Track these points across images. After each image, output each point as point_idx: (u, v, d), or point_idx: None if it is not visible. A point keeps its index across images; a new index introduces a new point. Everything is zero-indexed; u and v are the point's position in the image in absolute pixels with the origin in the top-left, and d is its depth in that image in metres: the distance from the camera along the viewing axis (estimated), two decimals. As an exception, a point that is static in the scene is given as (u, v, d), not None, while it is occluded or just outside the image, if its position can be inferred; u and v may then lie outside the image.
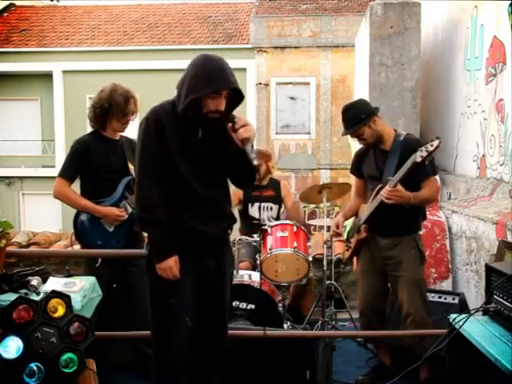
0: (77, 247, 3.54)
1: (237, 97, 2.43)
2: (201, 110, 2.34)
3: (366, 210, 3.34)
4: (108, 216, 3.25)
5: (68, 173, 3.31)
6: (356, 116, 3.23)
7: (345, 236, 4.04)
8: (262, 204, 4.48)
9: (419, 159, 2.91)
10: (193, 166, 2.40)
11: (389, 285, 3.41)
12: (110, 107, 3.27)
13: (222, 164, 2.46)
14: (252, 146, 2.37)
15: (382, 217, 3.20)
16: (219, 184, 2.50)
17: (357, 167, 3.48)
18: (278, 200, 4.60)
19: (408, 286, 3.20)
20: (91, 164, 3.28)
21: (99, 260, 3.23)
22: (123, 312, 3.29)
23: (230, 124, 2.34)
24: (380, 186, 3.19)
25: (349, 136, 3.47)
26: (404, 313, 3.21)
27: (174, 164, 2.38)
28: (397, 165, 3.13)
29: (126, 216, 3.28)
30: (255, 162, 2.34)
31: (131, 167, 3.33)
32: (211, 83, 2.28)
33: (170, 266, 2.37)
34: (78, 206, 3.30)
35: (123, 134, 3.49)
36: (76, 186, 3.40)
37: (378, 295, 3.38)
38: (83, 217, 3.29)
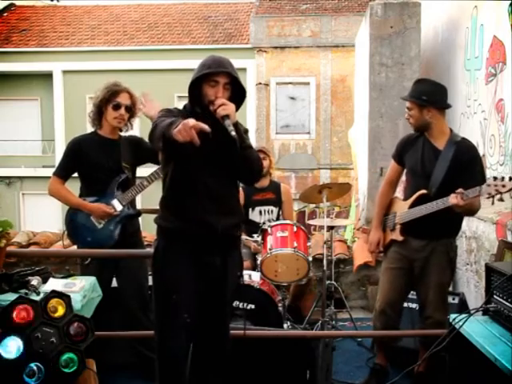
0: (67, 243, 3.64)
1: (240, 97, 2.46)
2: (205, 104, 2.37)
3: (402, 208, 3.20)
4: (95, 212, 3.30)
5: (60, 171, 3.39)
6: (420, 92, 3.12)
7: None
8: (263, 208, 4.50)
9: (486, 196, 2.72)
10: (202, 164, 2.40)
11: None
12: (100, 102, 3.34)
13: (230, 162, 2.44)
14: (232, 124, 2.30)
15: (418, 219, 3.10)
16: (228, 181, 2.50)
17: (400, 154, 3.32)
18: (278, 203, 4.58)
19: (434, 289, 3.14)
20: (85, 163, 3.33)
21: (89, 258, 3.29)
22: (114, 311, 3.32)
23: (210, 107, 2.35)
24: (425, 192, 3.08)
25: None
26: (426, 314, 3.17)
27: (184, 163, 2.39)
28: (447, 169, 3.03)
29: (116, 213, 3.32)
30: (233, 133, 2.25)
31: (127, 166, 3.35)
32: (206, 67, 2.36)
33: (184, 122, 2.12)
34: (68, 202, 3.38)
35: (125, 134, 3.49)
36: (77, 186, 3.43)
37: (401, 296, 3.31)
38: (73, 214, 3.37)
